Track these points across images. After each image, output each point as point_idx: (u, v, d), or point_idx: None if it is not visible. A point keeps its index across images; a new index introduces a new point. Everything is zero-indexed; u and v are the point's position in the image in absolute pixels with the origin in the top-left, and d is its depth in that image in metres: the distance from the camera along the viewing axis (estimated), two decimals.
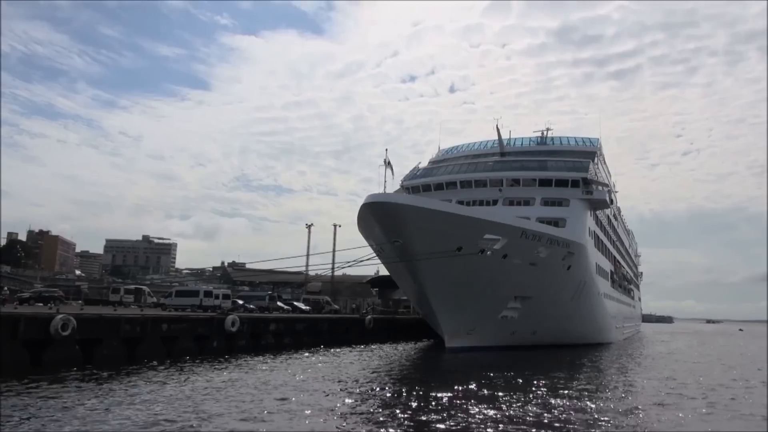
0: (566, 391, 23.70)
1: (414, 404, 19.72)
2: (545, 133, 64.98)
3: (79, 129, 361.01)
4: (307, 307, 53.04)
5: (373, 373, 28.70)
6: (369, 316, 50.96)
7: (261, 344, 37.69)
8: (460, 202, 49.99)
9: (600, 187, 51.17)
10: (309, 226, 61.52)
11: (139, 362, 27.61)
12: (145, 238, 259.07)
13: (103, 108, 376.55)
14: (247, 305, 45.70)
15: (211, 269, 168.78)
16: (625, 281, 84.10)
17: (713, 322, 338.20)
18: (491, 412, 18.56)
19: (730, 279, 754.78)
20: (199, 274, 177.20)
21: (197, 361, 30.00)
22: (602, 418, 18.57)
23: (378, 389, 23.33)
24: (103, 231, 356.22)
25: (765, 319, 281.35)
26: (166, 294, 44.63)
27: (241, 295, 53.01)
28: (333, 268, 62.63)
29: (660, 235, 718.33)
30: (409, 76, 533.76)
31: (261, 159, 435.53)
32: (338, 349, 40.69)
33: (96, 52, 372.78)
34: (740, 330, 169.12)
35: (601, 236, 57.90)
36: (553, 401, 21.27)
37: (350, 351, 40.28)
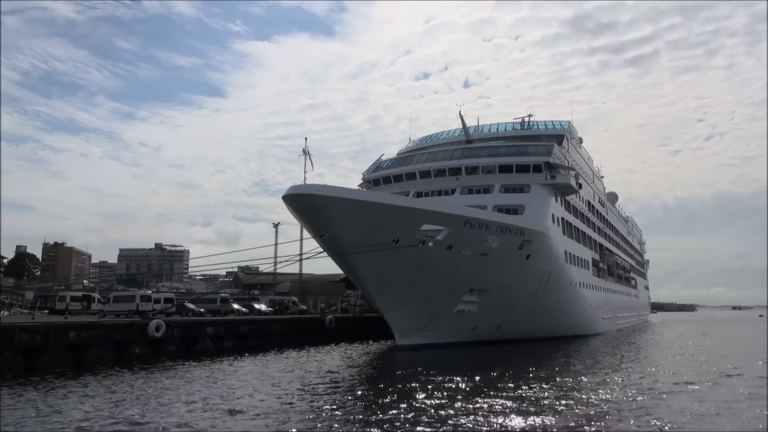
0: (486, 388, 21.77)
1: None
2: (527, 119, 62.72)
3: (100, 142, 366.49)
4: (269, 309, 51.29)
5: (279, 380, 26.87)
6: (330, 316, 49.03)
7: (196, 349, 36.04)
8: (419, 194, 48.20)
9: (566, 171, 48.57)
10: (276, 225, 60.01)
11: (42, 373, 26.18)
12: (158, 246, 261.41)
13: (123, 120, 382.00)
14: (196, 309, 44.14)
15: (224, 275, 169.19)
16: (621, 270, 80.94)
17: (739, 308, 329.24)
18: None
19: (761, 264, 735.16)
20: (211, 279, 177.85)
21: (114, 369, 28.29)
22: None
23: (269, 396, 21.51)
24: (128, 241, 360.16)
25: None
26: (104, 300, 43.44)
27: (194, 298, 51.51)
28: (300, 266, 61.05)
29: (686, 222, 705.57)
30: (423, 74, 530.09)
31: (279, 163, 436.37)
32: (289, 352, 38.95)
33: (113, 66, 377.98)
34: (760, 316, 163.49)
35: (576, 223, 55.10)
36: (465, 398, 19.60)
37: (298, 353, 38.40)
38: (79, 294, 47.23)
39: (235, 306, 48.82)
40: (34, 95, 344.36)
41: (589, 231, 60.97)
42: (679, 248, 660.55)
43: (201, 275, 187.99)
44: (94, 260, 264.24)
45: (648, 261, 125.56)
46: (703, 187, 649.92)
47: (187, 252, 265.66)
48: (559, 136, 54.76)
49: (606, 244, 71.06)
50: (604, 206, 74.24)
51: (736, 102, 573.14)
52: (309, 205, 32.67)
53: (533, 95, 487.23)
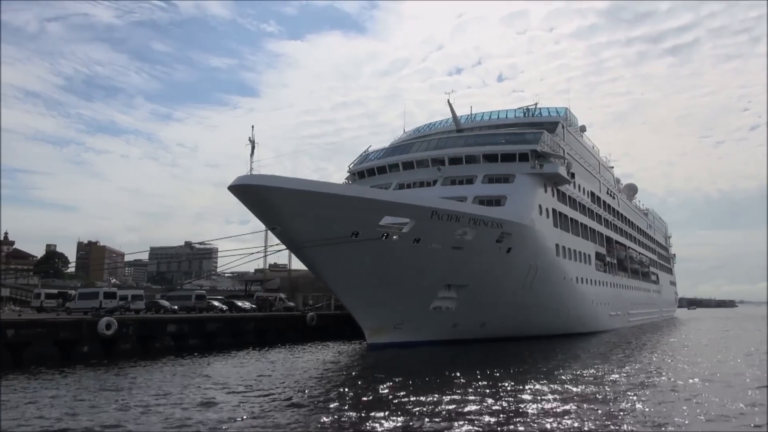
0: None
1: None
2: (532, 107, 60.06)
3: (139, 143, 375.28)
4: (251, 306, 50.01)
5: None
6: (311, 313, 47.47)
7: (155, 348, 34.95)
8: (401, 185, 46.30)
9: (556, 160, 45.86)
10: None
11: None
12: (187, 244, 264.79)
13: (161, 121, 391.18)
14: (169, 306, 43.15)
15: (253, 272, 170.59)
16: (637, 264, 77.32)
17: None
18: None
19: None
20: (239, 277, 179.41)
21: (54, 369, 27.21)
22: None
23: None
24: (166, 240, 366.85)
25: None
26: (70, 297, 42.80)
27: (169, 295, 50.62)
28: (289, 262, 59.65)
29: (731, 215, 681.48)
30: (456, 69, 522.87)
31: (312, 161, 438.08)
32: (262, 350, 37.63)
33: (151, 68, 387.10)
34: None
35: (573, 215, 52.16)
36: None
37: (262, 352, 36.97)
38: (55, 291, 46.87)
39: (216, 303, 47.70)
40: (77, 99, 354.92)
41: (591, 223, 57.91)
42: (723, 242, 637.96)
43: (230, 272, 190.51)
44: (129, 259, 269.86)
45: (674, 255, 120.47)
46: (747, 179, 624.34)
47: (216, 249, 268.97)
48: (552, 123, 51.93)
49: (616, 237, 67.70)
50: (614, 198, 70.76)
51: None
52: (256, 197, 31.12)
53: (568, 88, 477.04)
